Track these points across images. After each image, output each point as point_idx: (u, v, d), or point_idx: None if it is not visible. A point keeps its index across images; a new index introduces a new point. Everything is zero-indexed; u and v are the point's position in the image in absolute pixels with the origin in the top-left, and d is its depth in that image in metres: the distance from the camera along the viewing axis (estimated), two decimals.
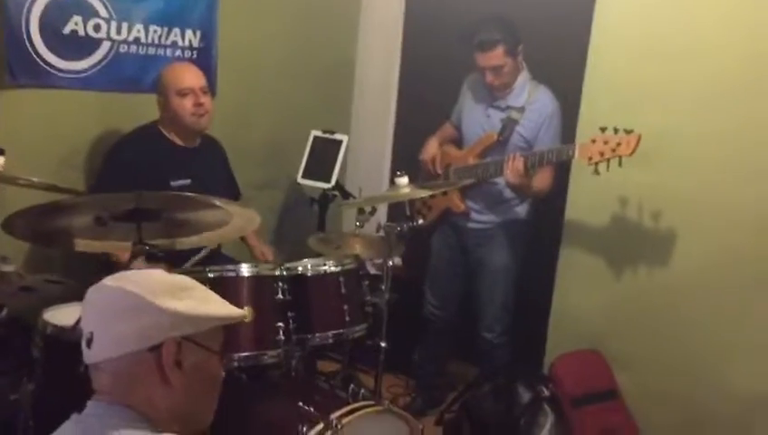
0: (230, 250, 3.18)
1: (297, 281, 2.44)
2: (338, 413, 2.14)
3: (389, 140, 4.27)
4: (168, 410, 1.22)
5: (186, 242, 2.19)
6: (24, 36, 2.80)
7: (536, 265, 3.34)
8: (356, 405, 2.23)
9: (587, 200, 3.25)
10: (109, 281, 1.25)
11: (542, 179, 3.08)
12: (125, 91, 3.18)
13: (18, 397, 2.21)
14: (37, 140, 2.89)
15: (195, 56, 3.38)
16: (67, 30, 2.92)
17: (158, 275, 1.29)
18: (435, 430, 3.30)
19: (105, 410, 1.20)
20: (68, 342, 2.12)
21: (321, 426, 2.10)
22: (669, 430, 3.09)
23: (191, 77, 2.96)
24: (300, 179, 3.64)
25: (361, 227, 3.03)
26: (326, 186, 3.57)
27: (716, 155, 2.88)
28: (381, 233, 2.79)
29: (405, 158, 3.75)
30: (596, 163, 2.73)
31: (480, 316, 3.28)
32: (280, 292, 2.36)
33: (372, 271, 3.21)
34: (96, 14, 3.00)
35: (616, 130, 2.69)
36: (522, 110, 3.08)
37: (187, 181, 2.94)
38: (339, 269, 2.55)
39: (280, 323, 2.33)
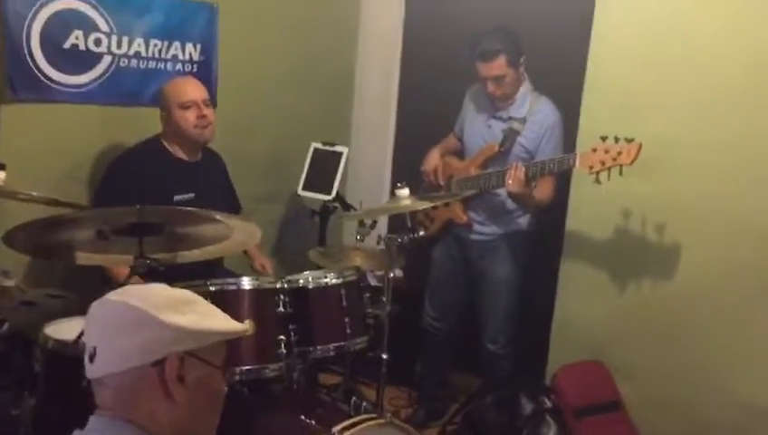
0: (231, 264, 3.18)
1: (298, 294, 2.44)
2: (340, 426, 2.13)
3: (390, 151, 4.27)
4: (171, 426, 1.21)
5: (187, 256, 2.18)
6: (25, 51, 2.81)
7: (538, 276, 3.34)
8: (358, 418, 2.22)
9: (588, 210, 3.25)
10: (112, 295, 1.25)
11: (544, 190, 3.08)
12: (126, 104, 3.19)
13: (19, 412, 2.20)
14: (39, 154, 2.90)
15: (195, 69, 3.39)
16: (68, 44, 2.94)
17: (161, 289, 1.29)
18: None
19: (107, 425, 1.20)
20: (69, 356, 2.12)
21: None
22: None
23: (193, 90, 2.97)
24: (300, 191, 3.64)
25: (362, 240, 3.03)
26: (327, 198, 3.57)
27: (717, 164, 2.88)
28: (382, 245, 2.79)
29: (405, 169, 3.75)
30: (597, 172, 2.74)
31: (483, 327, 3.28)
32: (281, 305, 2.36)
33: (373, 283, 3.21)
34: (97, 29, 3.01)
35: (617, 140, 2.69)
36: (523, 120, 3.08)
37: (191, 195, 2.94)
38: (340, 281, 2.55)
39: (281, 336, 2.33)
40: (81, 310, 2.23)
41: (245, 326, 1.32)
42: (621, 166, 2.69)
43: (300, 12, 3.86)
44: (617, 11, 3.10)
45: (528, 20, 3.23)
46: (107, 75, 3.09)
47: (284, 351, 2.32)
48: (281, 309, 2.35)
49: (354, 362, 3.11)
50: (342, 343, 2.51)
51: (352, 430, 2.13)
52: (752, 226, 2.82)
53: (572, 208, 3.29)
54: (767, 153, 2.78)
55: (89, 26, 2.99)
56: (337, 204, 3.60)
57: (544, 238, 3.32)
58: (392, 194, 2.74)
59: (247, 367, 2.26)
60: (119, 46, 3.10)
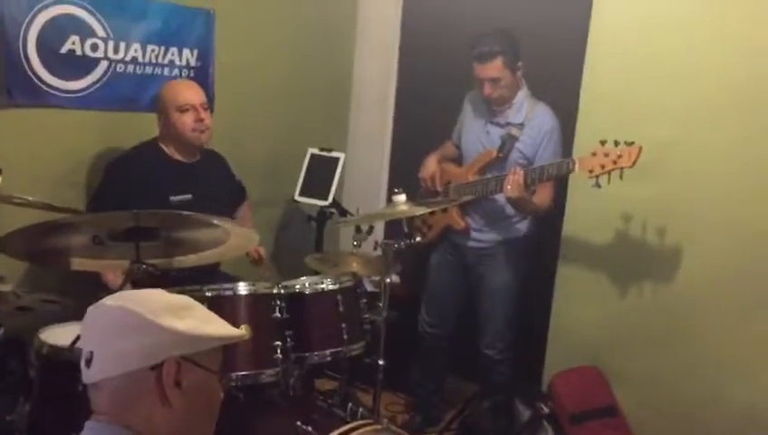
0: (228, 268, 3.17)
1: (295, 299, 2.44)
2: (336, 433, 2.12)
3: (386, 157, 4.27)
4: (167, 431, 1.21)
5: (184, 261, 2.18)
6: (22, 56, 2.81)
7: (535, 282, 3.34)
8: (354, 424, 2.21)
9: (584, 216, 3.25)
10: (109, 300, 1.25)
11: (543, 196, 3.09)
12: (122, 110, 3.18)
13: (14, 417, 2.20)
14: (35, 159, 2.89)
15: (192, 75, 3.39)
16: (64, 50, 2.93)
17: (159, 294, 1.29)
18: None
19: (103, 430, 1.19)
20: (64, 362, 2.12)
21: None
22: None
23: (191, 93, 2.97)
24: (297, 197, 3.64)
25: (359, 246, 3.03)
26: (323, 203, 3.57)
27: (715, 170, 2.88)
28: (379, 251, 2.79)
29: (402, 175, 3.75)
30: (597, 176, 2.73)
31: (481, 333, 3.27)
32: (277, 310, 2.36)
33: (370, 289, 3.21)
34: (93, 34, 3.01)
35: (616, 143, 2.69)
36: (521, 126, 3.09)
37: (188, 196, 2.94)
38: (336, 287, 2.55)
39: (278, 342, 2.33)
40: (77, 315, 2.22)
41: (243, 332, 1.32)
42: (622, 169, 2.69)
43: (297, 18, 3.87)
44: (613, 17, 3.11)
45: (525, 27, 3.23)
46: (103, 80, 3.09)
47: (281, 356, 2.32)
48: (277, 314, 2.35)
49: (351, 367, 3.11)
50: (339, 349, 2.51)
51: None
52: (750, 232, 2.82)
53: (569, 214, 3.29)
54: (765, 159, 2.78)
55: (85, 31, 2.99)
56: (334, 210, 3.60)
57: (541, 244, 3.32)
58: (389, 200, 2.74)
59: (244, 372, 2.26)
60: (115, 52, 3.10)
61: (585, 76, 3.18)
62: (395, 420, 3.42)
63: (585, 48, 3.18)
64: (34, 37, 2.83)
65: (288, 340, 2.36)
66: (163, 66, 3.30)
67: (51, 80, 2.91)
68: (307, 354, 2.44)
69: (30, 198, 2.22)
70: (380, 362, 2.61)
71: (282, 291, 2.40)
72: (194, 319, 1.24)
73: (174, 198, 2.90)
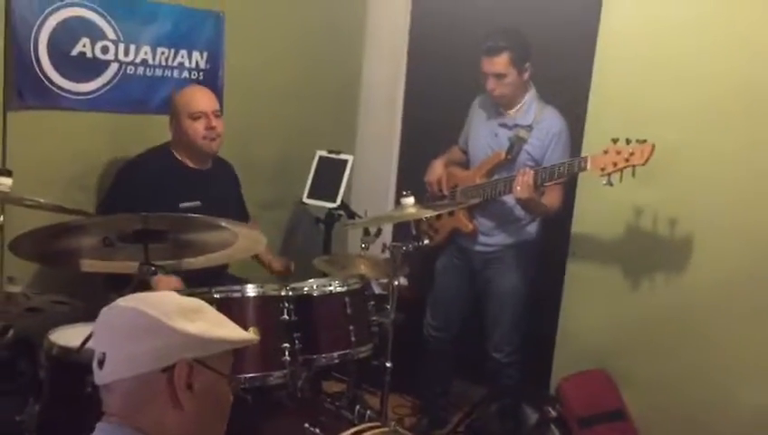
0: (236, 270, 3.18)
1: (303, 301, 2.44)
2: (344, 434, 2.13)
3: (395, 159, 4.27)
4: (178, 434, 1.21)
5: (192, 263, 2.19)
6: (33, 58, 2.83)
7: (543, 285, 3.33)
8: (362, 426, 2.21)
9: (593, 219, 3.25)
10: (122, 302, 1.25)
11: (552, 198, 3.08)
12: (132, 112, 3.20)
13: (24, 418, 2.21)
14: (45, 161, 2.91)
15: (201, 77, 3.40)
16: (75, 52, 2.95)
17: (171, 296, 1.30)
18: None
19: (115, 431, 1.20)
20: (74, 363, 2.12)
21: None
22: None
23: (204, 101, 2.98)
24: (305, 199, 3.64)
25: (367, 248, 3.03)
26: (331, 205, 3.57)
27: (724, 174, 2.88)
28: (387, 253, 2.79)
29: (411, 177, 3.75)
30: (609, 174, 2.72)
31: (489, 337, 3.27)
32: (285, 312, 2.36)
33: (378, 291, 3.21)
34: (104, 37, 3.03)
35: (628, 141, 2.69)
36: (529, 128, 3.08)
37: (197, 203, 2.94)
38: (344, 289, 2.55)
39: (286, 344, 2.33)
40: (87, 316, 2.25)
41: (254, 336, 1.33)
42: (634, 167, 2.68)
43: (306, 20, 3.88)
44: (622, 21, 3.10)
45: (535, 30, 3.24)
46: (113, 83, 3.10)
47: (289, 358, 2.32)
48: (285, 317, 2.36)
49: (358, 369, 3.11)
50: (347, 351, 2.51)
51: None
52: (759, 235, 2.82)
53: (577, 217, 3.29)
54: None
55: (96, 34, 3.00)
56: (342, 212, 3.60)
57: (550, 247, 3.31)
58: (397, 202, 2.74)
59: (252, 374, 2.26)
60: (126, 54, 3.12)
61: (594, 79, 3.18)
62: (402, 422, 3.42)
63: (594, 51, 3.18)
64: (45, 39, 2.85)
65: (296, 342, 2.36)
66: (173, 69, 3.31)
67: (61, 82, 2.93)
68: (315, 356, 2.44)
69: (41, 200, 2.23)
70: (388, 365, 2.61)
71: (290, 293, 2.40)
72: (205, 322, 1.25)
73: (183, 205, 2.91)
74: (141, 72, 3.20)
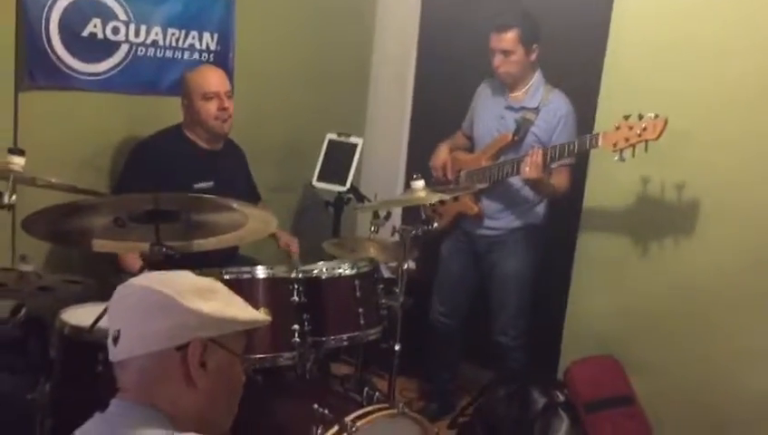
0: (247, 250, 3.19)
1: (312, 283, 2.44)
2: (353, 416, 2.13)
3: (405, 143, 4.27)
4: (192, 412, 1.22)
5: (203, 244, 2.19)
6: (44, 39, 2.83)
7: (551, 270, 3.33)
8: (370, 408, 2.22)
9: (602, 204, 3.24)
10: (137, 280, 1.27)
11: (560, 179, 3.08)
12: (143, 93, 3.20)
13: (35, 396, 2.23)
14: (57, 141, 2.92)
15: (212, 59, 3.40)
16: (86, 32, 2.95)
17: (186, 276, 1.30)
18: (448, 434, 3.30)
19: (129, 408, 1.21)
20: (85, 342, 2.14)
21: (335, 428, 2.10)
22: None
23: (217, 81, 2.98)
24: (315, 182, 3.64)
25: (376, 232, 3.03)
26: (341, 189, 3.58)
27: (734, 158, 2.86)
28: (396, 236, 2.79)
29: (420, 161, 3.74)
30: (621, 150, 2.71)
31: (494, 320, 3.27)
32: (295, 294, 2.36)
33: (387, 274, 3.21)
34: (115, 17, 3.03)
35: (641, 117, 2.67)
36: (536, 111, 3.08)
37: (210, 184, 2.96)
38: (354, 272, 2.55)
39: (295, 326, 2.33)
40: (99, 296, 2.26)
41: (267, 317, 1.33)
42: (647, 142, 2.66)
43: (317, 3, 3.87)
44: (636, 4, 3.08)
45: (547, 12, 3.22)
46: (124, 64, 3.11)
47: (298, 340, 2.33)
48: (295, 298, 2.36)
49: (367, 352, 3.12)
50: (355, 334, 2.51)
51: (365, 420, 2.13)
52: (767, 221, 2.80)
53: (587, 201, 3.28)
54: None
55: (107, 14, 3.00)
56: (351, 195, 3.60)
57: (558, 232, 3.31)
58: (407, 186, 2.74)
59: (261, 355, 2.27)
60: (136, 35, 3.12)
61: (607, 62, 3.16)
62: (410, 405, 3.44)
63: (607, 34, 3.16)
64: (57, 20, 2.85)
65: (305, 324, 2.36)
66: (183, 50, 3.31)
67: (72, 62, 2.93)
68: (324, 338, 2.44)
69: (53, 180, 2.23)
70: (396, 348, 2.62)
71: (299, 275, 2.40)
72: (219, 302, 1.25)
73: (196, 185, 2.92)
74: (152, 54, 3.20)
